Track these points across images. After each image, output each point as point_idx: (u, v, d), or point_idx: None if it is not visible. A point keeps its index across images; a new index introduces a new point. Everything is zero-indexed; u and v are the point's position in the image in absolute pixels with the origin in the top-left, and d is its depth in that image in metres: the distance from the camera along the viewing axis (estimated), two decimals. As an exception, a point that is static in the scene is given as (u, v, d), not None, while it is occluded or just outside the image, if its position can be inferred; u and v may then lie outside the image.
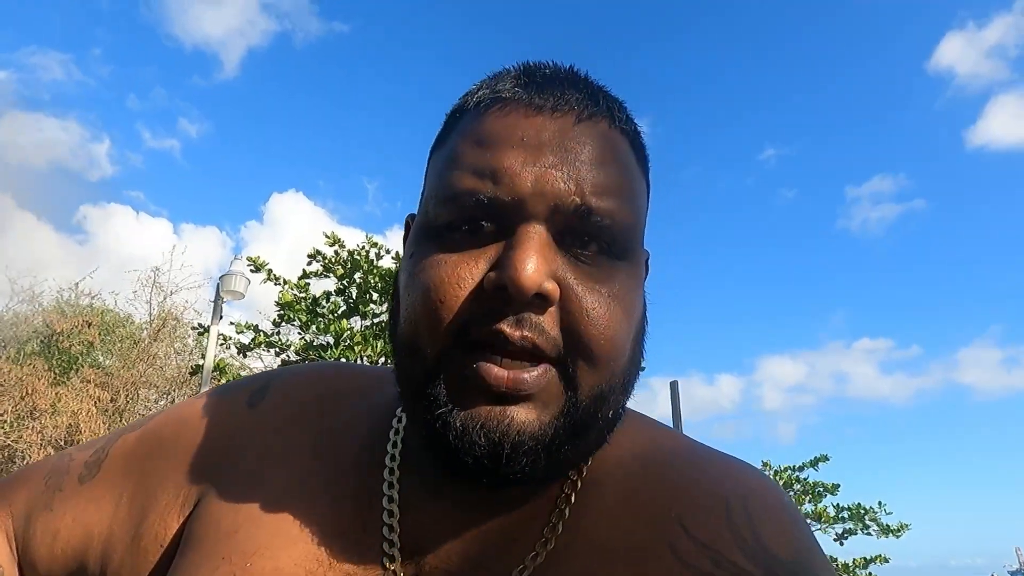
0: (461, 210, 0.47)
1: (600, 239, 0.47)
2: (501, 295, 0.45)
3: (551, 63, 0.54)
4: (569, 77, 0.53)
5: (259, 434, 0.60)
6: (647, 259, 0.57)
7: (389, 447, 0.56)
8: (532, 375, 0.45)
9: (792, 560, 0.47)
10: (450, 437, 0.45)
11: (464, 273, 0.46)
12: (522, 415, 0.45)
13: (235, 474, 0.57)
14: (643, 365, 0.55)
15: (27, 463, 10.88)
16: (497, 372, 0.44)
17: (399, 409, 0.59)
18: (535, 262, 0.44)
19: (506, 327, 0.44)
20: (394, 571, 0.48)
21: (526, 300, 0.44)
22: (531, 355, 0.45)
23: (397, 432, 0.57)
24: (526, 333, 0.44)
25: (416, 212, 0.55)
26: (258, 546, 0.50)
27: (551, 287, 0.45)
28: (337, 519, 0.52)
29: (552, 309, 0.46)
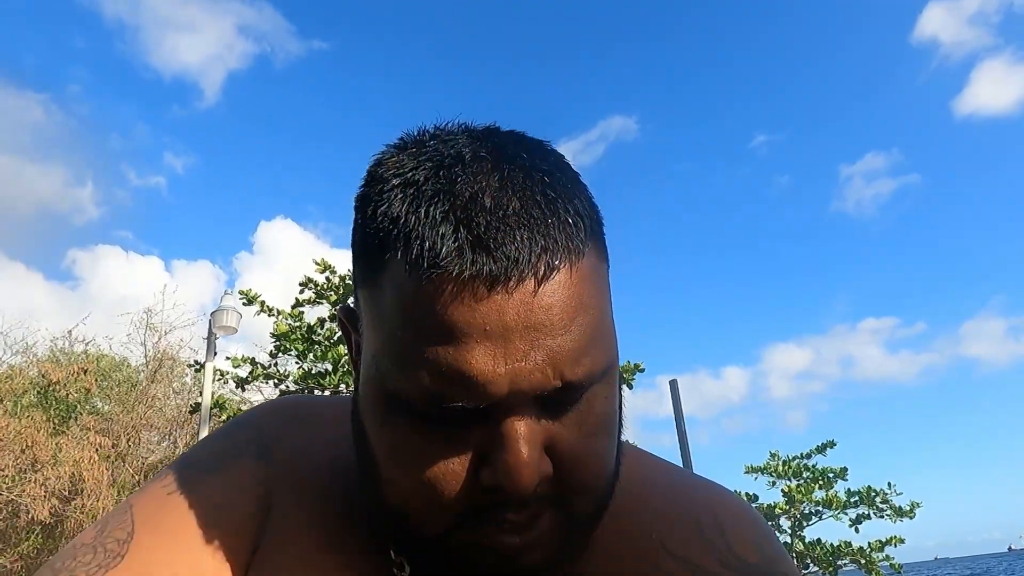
0: (434, 404, 0.43)
1: (583, 398, 0.46)
2: (499, 495, 0.44)
3: (478, 159, 0.45)
4: (515, 204, 0.43)
5: (280, 510, 0.57)
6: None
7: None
8: (541, 531, 0.47)
9: (760, 563, 0.53)
10: (452, 557, 0.47)
11: (456, 467, 0.44)
12: (528, 557, 0.47)
13: (275, 554, 0.55)
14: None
15: (32, 517, 10.78)
16: (509, 540, 0.46)
17: None
18: (528, 462, 0.42)
19: (511, 516, 0.45)
20: None
21: (523, 501, 0.44)
22: (534, 517, 0.47)
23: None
24: (529, 511, 0.46)
25: (354, 330, 0.53)
26: None
27: (545, 473, 0.44)
28: None
29: (545, 469, 0.46)
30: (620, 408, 0.51)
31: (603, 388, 0.47)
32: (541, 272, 0.42)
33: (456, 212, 0.42)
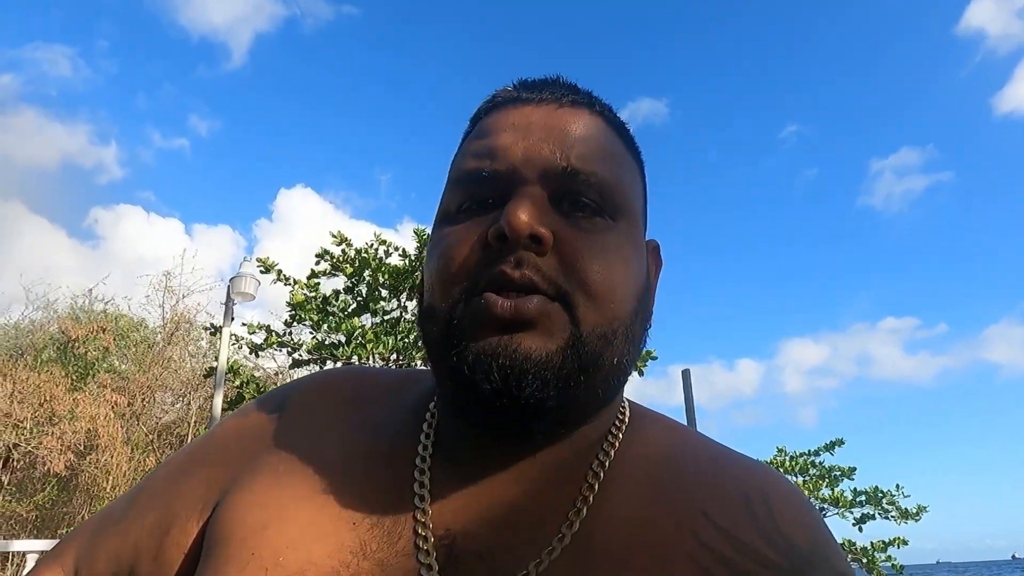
0: (467, 188, 0.55)
1: (590, 197, 0.53)
2: (501, 244, 0.50)
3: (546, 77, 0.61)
4: (556, 81, 0.60)
5: (286, 436, 0.61)
6: (656, 248, 0.64)
7: (422, 437, 0.58)
8: (533, 303, 0.48)
9: (809, 548, 0.50)
10: (465, 370, 0.49)
11: (470, 235, 0.52)
12: (528, 342, 0.48)
13: (262, 475, 0.57)
14: (649, 327, 0.59)
15: (48, 469, 11.05)
16: (502, 302, 0.48)
17: (432, 404, 0.60)
18: (528, 209, 0.50)
19: (507, 268, 0.49)
20: (428, 562, 0.49)
21: (522, 242, 0.49)
22: (532, 291, 0.49)
23: (431, 425, 0.59)
24: (525, 271, 0.49)
25: None
26: (289, 540, 0.50)
27: (545, 232, 0.50)
28: (369, 510, 0.52)
29: (550, 256, 0.50)
30: (646, 274, 0.58)
31: (622, 227, 0.54)
32: (565, 101, 0.57)
33: (515, 84, 0.60)
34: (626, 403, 0.62)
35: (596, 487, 0.53)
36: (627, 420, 0.60)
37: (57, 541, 0.66)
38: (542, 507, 0.52)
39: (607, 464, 0.55)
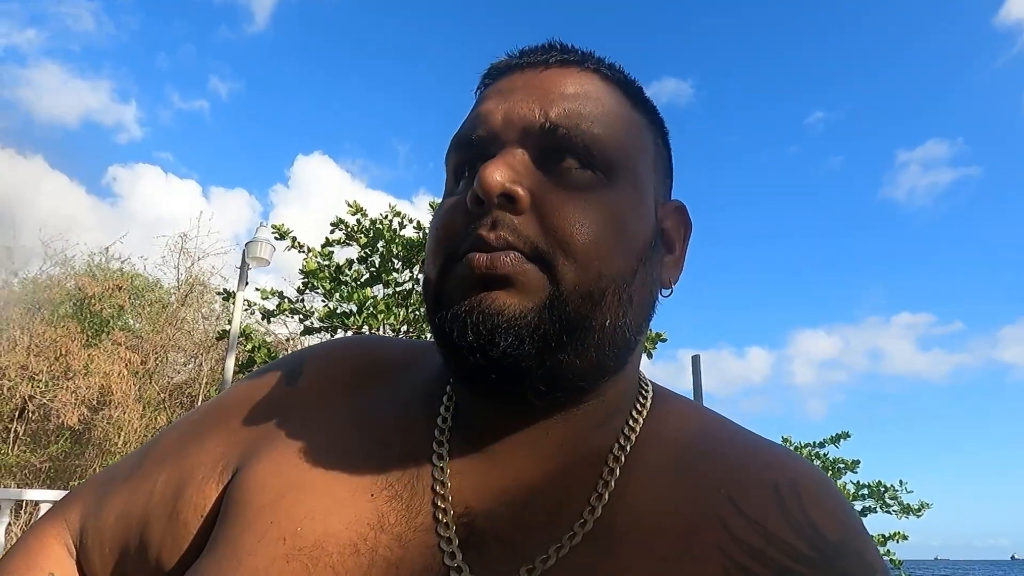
0: (458, 156, 0.55)
1: (574, 152, 0.51)
2: (478, 207, 0.49)
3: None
4: (548, 45, 0.58)
5: (301, 405, 0.60)
6: (680, 209, 0.60)
7: (441, 410, 0.57)
8: (509, 257, 0.48)
9: (839, 540, 0.49)
10: (445, 329, 0.49)
11: (458, 203, 0.52)
12: (503, 297, 0.48)
13: (278, 443, 0.57)
14: (668, 293, 0.58)
15: (62, 422, 11.29)
16: (478, 257, 0.48)
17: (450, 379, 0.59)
18: (500, 168, 0.49)
19: (483, 230, 0.48)
20: (447, 536, 0.48)
21: (493, 201, 0.48)
22: (508, 249, 0.48)
23: (450, 398, 0.58)
24: (501, 232, 0.48)
25: None
26: (308, 510, 0.50)
27: (519, 190, 0.49)
28: (387, 482, 0.52)
29: (530, 215, 0.49)
30: (651, 232, 0.55)
31: (616, 184, 0.52)
32: (552, 61, 0.56)
33: (512, 53, 0.59)
34: (649, 384, 0.61)
35: (617, 471, 0.51)
36: (649, 402, 0.58)
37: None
38: (561, 490, 0.51)
39: (628, 448, 0.53)
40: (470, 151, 0.54)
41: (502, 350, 0.47)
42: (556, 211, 0.49)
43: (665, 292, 0.58)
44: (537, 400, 0.50)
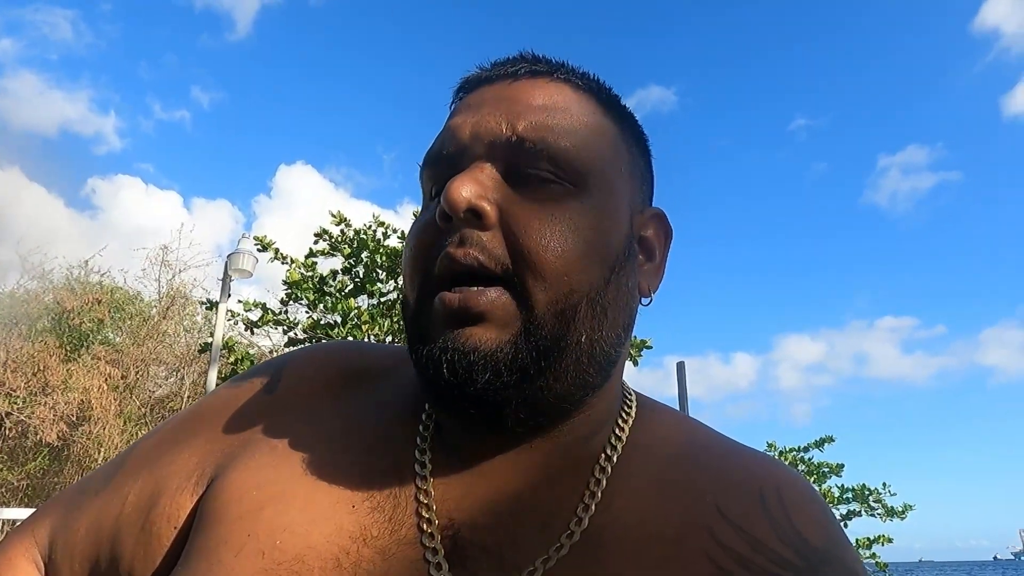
0: (429, 173, 0.56)
1: (541, 165, 0.51)
2: (446, 223, 0.49)
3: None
4: (519, 57, 0.59)
5: (282, 411, 0.59)
6: (659, 216, 0.61)
7: (423, 417, 0.56)
8: (484, 296, 0.48)
9: (823, 547, 0.49)
10: (423, 363, 0.49)
11: (428, 220, 0.52)
12: (478, 333, 0.48)
13: (256, 451, 0.56)
14: (648, 302, 0.58)
15: (40, 439, 11.08)
16: (450, 296, 0.48)
17: None
18: (466, 183, 0.49)
19: (451, 248, 0.49)
20: (432, 547, 0.48)
21: (462, 216, 0.48)
22: (480, 275, 0.48)
23: (432, 406, 0.57)
24: (469, 250, 0.48)
25: None
26: (287, 523, 0.49)
27: (484, 205, 0.49)
28: (369, 493, 0.51)
29: (497, 231, 0.49)
30: (623, 240, 0.54)
31: (586, 196, 0.52)
32: (521, 73, 0.56)
33: (483, 66, 0.59)
34: (632, 394, 0.61)
35: (604, 481, 0.51)
36: (634, 412, 0.58)
37: None
38: (548, 501, 0.51)
39: (615, 458, 0.53)
40: (440, 167, 0.54)
41: (481, 387, 0.47)
42: (523, 225, 0.49)
43: (644, 300, 0.58)
44: (518, 428, 0.51)
